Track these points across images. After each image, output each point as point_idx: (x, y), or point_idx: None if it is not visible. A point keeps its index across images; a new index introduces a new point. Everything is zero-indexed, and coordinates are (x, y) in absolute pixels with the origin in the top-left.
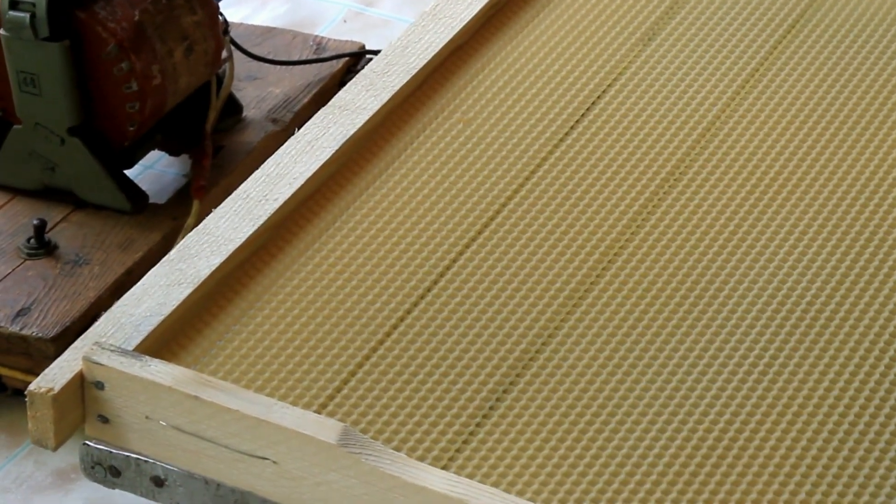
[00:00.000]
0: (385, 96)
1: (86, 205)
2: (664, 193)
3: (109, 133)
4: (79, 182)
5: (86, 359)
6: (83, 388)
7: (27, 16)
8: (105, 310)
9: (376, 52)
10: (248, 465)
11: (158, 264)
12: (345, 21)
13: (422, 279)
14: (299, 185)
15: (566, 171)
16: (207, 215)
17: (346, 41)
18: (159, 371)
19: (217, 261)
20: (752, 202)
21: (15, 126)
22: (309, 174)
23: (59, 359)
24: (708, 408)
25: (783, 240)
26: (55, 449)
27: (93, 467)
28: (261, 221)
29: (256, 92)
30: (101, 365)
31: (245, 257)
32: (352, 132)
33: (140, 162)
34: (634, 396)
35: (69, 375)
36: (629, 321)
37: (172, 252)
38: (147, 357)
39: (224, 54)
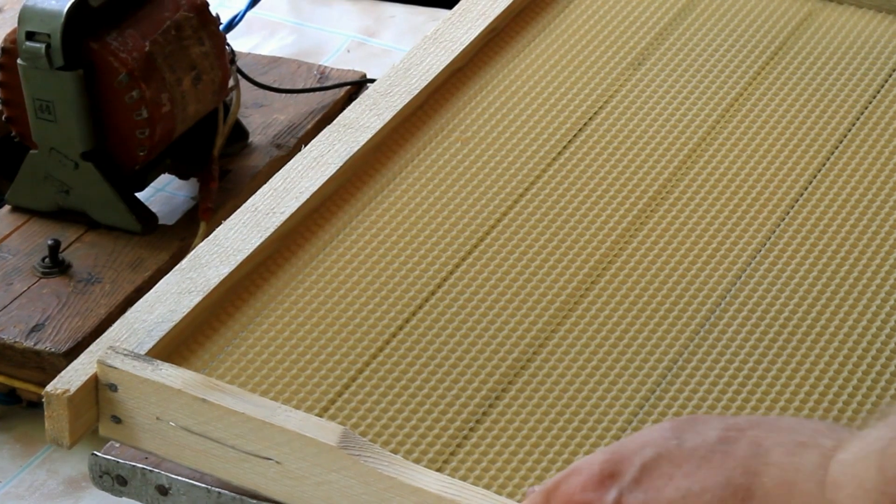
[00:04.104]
0: (387, 115)
1: (98, 226)
2: (651, 211)
3: (121, 158)
4: (92, 204)
5: (100, 362)
6: (97, 390)
7: (43, 46)
8: None
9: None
10: (253, 464)
11: (170, 273)
12: (348, 51)
13: (420, 289)
14: (305, 199)
15: (559, 189)
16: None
17: (349, 70)
18: (169, 374)
19: (226, 270)
20: (735, 220)
21: (31, 151)
22: (314, 189)
23: (74, 362)
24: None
25: (764, 256)
26: (70, 447)
27: (101, 476)
28: (268, 233)
29: (262, 118)
30: (114, 368)
31: (252, 267)
32: (355, 149)
33: (152, 185)
34: (620, 404)
35: (84, 378)
36: (616, 332)
37: (184, 262)
38: (158, 361)
39: (231, 83)
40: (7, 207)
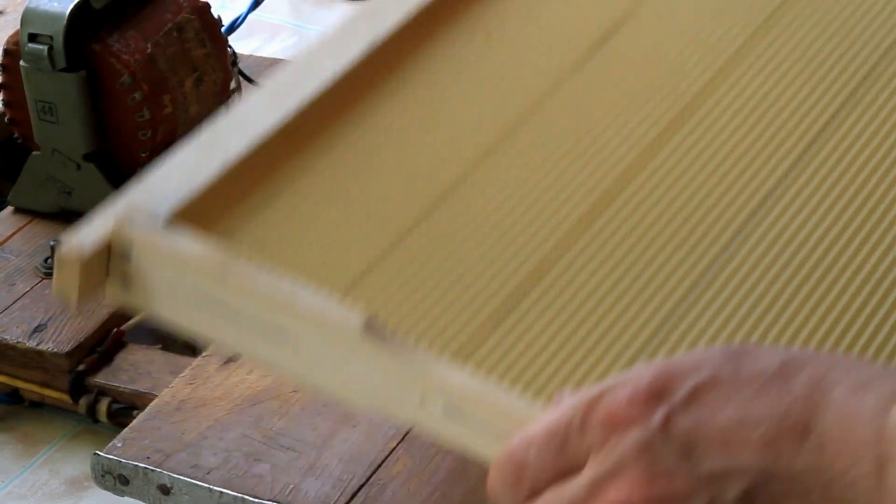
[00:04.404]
0: (413, 9)
1: None
2: (675, 129)
3: (123, 159)
4: (94, 205)
5: (116, 225)
6: (110, 254)
7: (45, 48)
8: (118, 326)
9: None
10: (268, 343)
11: (189, 140)
12: None
13: (451, 171)
14: (327, 80)
15: (586, 91)
16: None
17: None
18: (190, 243)
19: (245, 142)
20: (761, 145)
21: (34, 152)
22: (338, 70)
23: (90, 223)
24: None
25: (791, 181)
26: (76, 307)
27: (103, 476)
28: (289, 110)
29: None
30: (130, 232)
31: (273, 143)
32: (381, 35)
33: None
34: (645, 317)
35: (98, 240)
36: (639, 247)
37: (203, 133)
38: (178, 228)
39: (233, 85)
40: (9, 209)
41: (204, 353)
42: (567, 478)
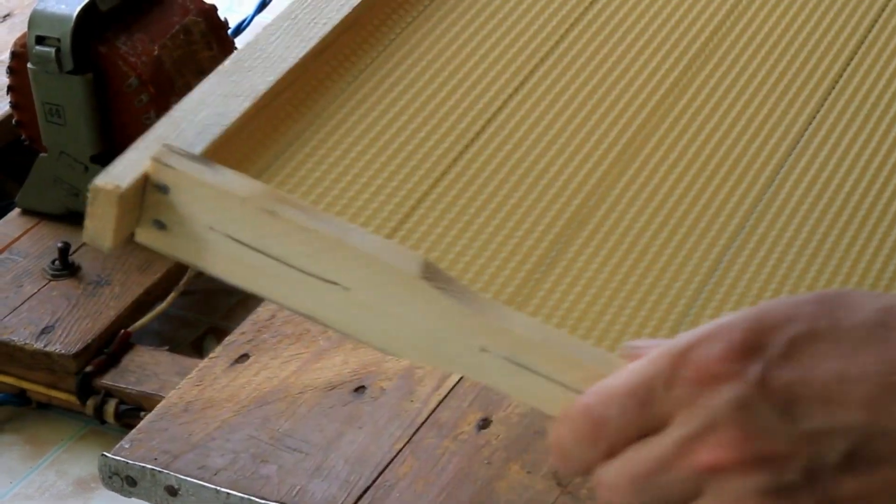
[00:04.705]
0: None
1: None
2: (697, 69)
3: None
4: None
5: (155, 159)
6: (144, 191)
7: (52, 50)
8: (125, 327)
9: None
10: (313, 288)
11: (213, 74)
12: None
13: (489, 102)
14: (347, 10)
15: (605, 29)
16: None
17: None
18: (233, 181)
19: (272, 78)
20: (789, 79)
21: (41, 154)
22: (355, 1)
23: (123, 157)
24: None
25: (822, 118)
26: (110, 249)
27: (110, 477)
28: (312, 43)
29: None
30: (171, 168)
31: (299, 76)
32: None
33: None
34: (696, 260)
35: (135, 175)
36: (679, 189)
37: (226, 63)
38: (219, 165)
39: None
40: (17, 210)
41: (211, 355)
42: (650, 436)
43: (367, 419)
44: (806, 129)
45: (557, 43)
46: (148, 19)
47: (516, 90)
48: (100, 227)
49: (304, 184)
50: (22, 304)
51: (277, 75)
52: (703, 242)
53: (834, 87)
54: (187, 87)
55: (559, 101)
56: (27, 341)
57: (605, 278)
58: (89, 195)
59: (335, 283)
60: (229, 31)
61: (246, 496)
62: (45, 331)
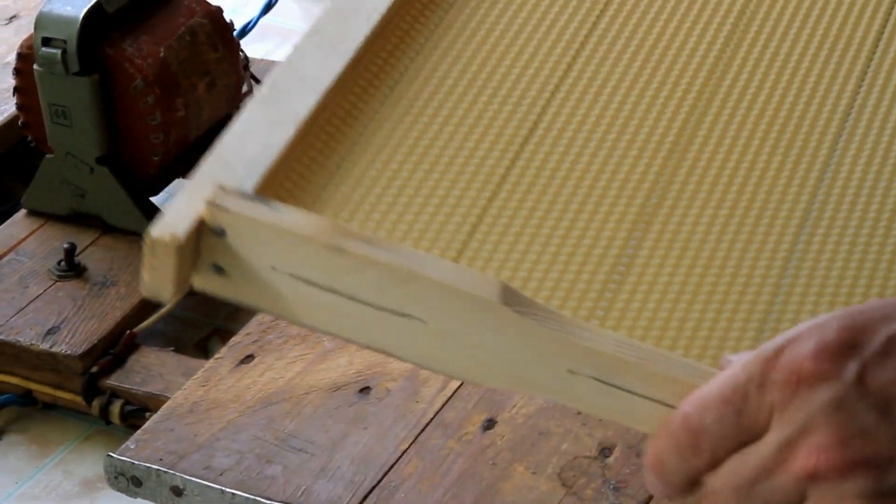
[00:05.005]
0: None
1: (113, 229)
2: (741, 37)
3: (135, 162)
4: (107, 208)
5: (210, 203)
6: (200, 236)
7: (59, 52)
8: (130, 328)
9: None
10: (387, 323)
11: (252, 102)
12: None
13: (533, 102)
14: (377, 20)
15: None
16: None
17: None
18: (294, 219)
19: (312, 100)
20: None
21: (47, 155)
22: (383, 7)
23: (174, 203)
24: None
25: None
26: (171, 300)
27: (116, 478)
28: (346, 58)
29: None
30: (227, 210)
31: (337, 94)
32: None
33: (166, 189)
34: (768, 252)
35: (190, 221)
36: (744, 164)
37: (264, 89)
38: (275, 202)
39: (244, 88)
40: (23, 211)
41: (216, 356)
42: (750, 443)
43: (372, 420)
44: (854, 101)
45: (591, 31)
46: (154, 21)
47: (557, 86)
48: (159, 278)
49: (359, 210)
50: (28, 304)
51: (317, 96)
52: (772, 233)
53: (871, 60)
54: (193, 89)
55: (601, 94)
56: (33, 342)
57: (681, 281)
58: (145, 247)
59: (410, 316)
60: (235, 33)
61: (251, 496)
62: (51, 331)
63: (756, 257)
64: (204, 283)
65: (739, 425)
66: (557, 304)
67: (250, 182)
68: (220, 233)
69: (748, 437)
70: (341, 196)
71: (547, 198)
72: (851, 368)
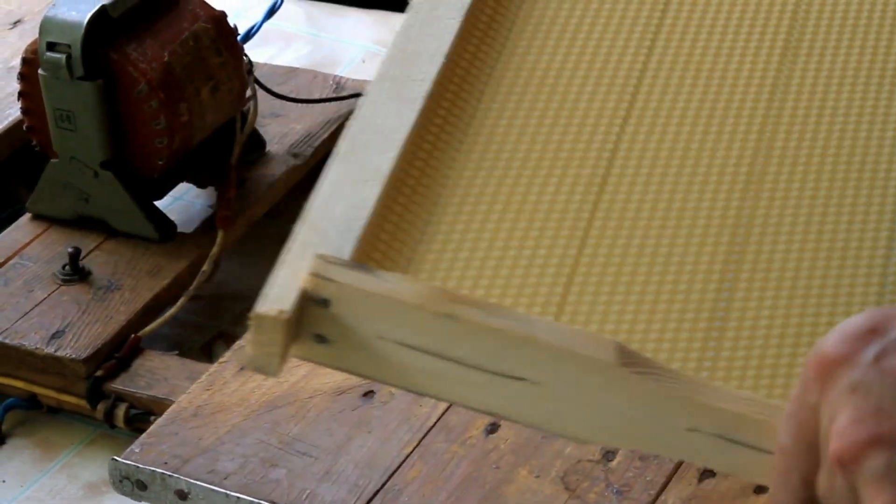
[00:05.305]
0: None
1: (118, 234)
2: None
3: (140, 166)
4: (111, 212)
5: (314, 274)
6: (303, 307)
7: (63, 57)
8: (135, 332)
9: None
10: (499, 386)
11: (333, 160)
12: (363, 61)
13: (606, 133)
14: (441, 61)
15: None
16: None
17: (364, 80)
18: (400, 287)
19: (392, 154)
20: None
21: (51, 160)
22: (445, 46)
23: (276, 276)
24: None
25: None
26: (277, 374)
27: (121, 481)
28: (419, 103)
29: (279, 128)
30: (332, 281)
31: (414, 144)
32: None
33: (171, 193)
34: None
35: (294, 295)
36: (822, 187)
37: (343, 147)
38: (380, 271)
39: (248, 93)
40: (27, 216)
41: (221, 360)
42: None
43: (376, 423)
44: None
45: (648, 56)
46: (158, 26)
47: (625, 119)
48: (265, 353)
49: (453, 271)
50: (32, 308)
51: (396, 150)
52: (861, 261)
53: None
54: (197, 94)
55: (671, 122)
56: (37, 346)
57: (781, 323)
58: (251, 323)
59: (525, 380)
60: (239, 38)
61: (255, 500)
62: (56, 335)
63: (850, 293)
64: (306, 353)
65: (800, 438)
66: (665, 357)
67: (346, 247)
68: (323, 303)
69: (814, 439)
70: (433, 256)
71: (636, 241)
72: (870, 351)
